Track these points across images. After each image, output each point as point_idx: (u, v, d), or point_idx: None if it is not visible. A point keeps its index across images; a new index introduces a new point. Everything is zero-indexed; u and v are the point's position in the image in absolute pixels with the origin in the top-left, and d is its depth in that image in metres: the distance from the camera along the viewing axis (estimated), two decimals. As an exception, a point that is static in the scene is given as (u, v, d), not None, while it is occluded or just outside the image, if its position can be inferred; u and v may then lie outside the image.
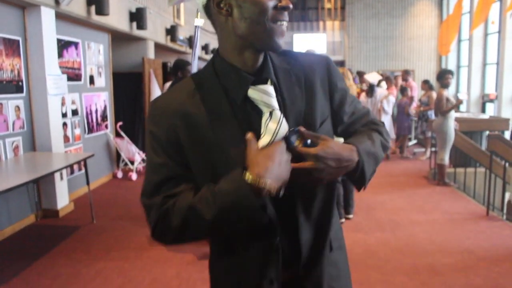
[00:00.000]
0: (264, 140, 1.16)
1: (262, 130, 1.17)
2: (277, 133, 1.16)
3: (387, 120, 8.76)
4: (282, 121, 1.18)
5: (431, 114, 8.56)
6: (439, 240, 4.61)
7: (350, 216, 5.26)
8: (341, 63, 18.06)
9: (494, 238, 4.68)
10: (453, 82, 7.60)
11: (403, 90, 9.48)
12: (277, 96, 1.21)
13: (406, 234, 4.79)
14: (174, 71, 5.22)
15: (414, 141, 10.69)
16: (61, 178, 5.52)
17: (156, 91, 7.68)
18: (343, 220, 5.13)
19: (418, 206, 5.84)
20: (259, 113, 1.20)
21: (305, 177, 1.17)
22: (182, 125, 1.20)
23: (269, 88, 1.20)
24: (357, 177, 1.29)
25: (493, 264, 4.01)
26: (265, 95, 1.19)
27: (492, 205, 5.78)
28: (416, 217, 5.35)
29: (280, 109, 1.20)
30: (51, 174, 4.80)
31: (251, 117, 1.20)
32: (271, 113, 1.18)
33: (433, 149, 7.90)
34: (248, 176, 1.08)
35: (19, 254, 4.26)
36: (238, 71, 1.20)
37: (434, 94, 8.18)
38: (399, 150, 9.63)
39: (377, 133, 1.38)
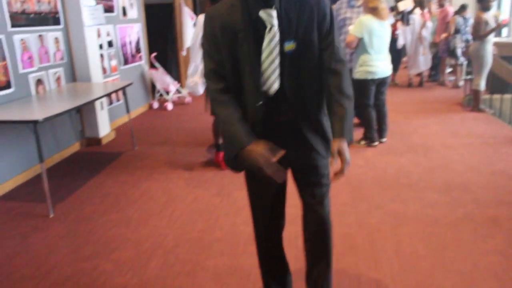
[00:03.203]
0: (264, 44, 1.81)
1: (265, 38, 1.81)
2: (271, 40, 1.80)
3: (425, 47, 8.59)
4: (276, 34, 1.81)
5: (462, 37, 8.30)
6: (472, 161, 4.67)
7: (384, 139, 5.35)
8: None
9: (528, 159, 4.71)
10: (494, 5, 7.28)
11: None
12: (278, 19, 1.80)
13: (439, 156, 4.86)
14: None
15: (449, 69, 10.46)
16: (102, 107, 5.74)
17: (187, 22, 7.68)
18: (376, 143, 5.22)
19: (451, 131, 5.85)
20: (265, 27, 1.81)
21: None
22: (220, 28, 1.83)
23: (273, 12, 1.79)
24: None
25: (525, 182, 4.08)
26: (269, 16, 1.79)
27: (528, 129, 5.73)
28: (449, 141, 5.39)
29: (278, 27, 1.81)
30: (93, 102, 5.01)
31: (260, 30, 1.81)
32: (271, 28, 1.80)
33: (469, 76, 7.75)
34: (243, 153, 1.81)
35: (69, 177, 4.56)
36: None
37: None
38: (432, 76, 9.46)
39: (341, 83, 1.91)
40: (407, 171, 4.43)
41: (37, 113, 3.93)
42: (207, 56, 1.89)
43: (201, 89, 4.46)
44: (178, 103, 8.04)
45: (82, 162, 5.09)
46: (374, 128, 5.22)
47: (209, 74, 1.89)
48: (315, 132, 2.00)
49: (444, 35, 8.90)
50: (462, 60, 8.70)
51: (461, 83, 8.82)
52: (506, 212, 3.54)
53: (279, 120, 1.94)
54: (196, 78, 4.43)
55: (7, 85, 4.34)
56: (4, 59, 4.28)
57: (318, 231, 2.15)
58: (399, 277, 2.72)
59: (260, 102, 1.85)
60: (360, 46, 4.97)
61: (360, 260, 2.84)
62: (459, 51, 8.61)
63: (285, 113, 1.94)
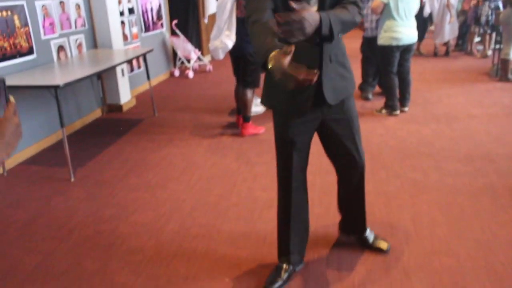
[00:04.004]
0: None
1: None
2: None
3: (453, 15, 8.32)
4: None
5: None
6: (496, 131, 4.56)
7: (406, 108, 5.25)
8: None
9: (555, 130, 4.57)
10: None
11: None
12: None
13: (462, 126, 4.76)
14: None
15: (478, 38, 10.14)
16: (123, 74, 5.76)
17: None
18: (397, 112, 5.13)
19: (476, 101, 5.71)
20: None
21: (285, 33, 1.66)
22: None
23: None
24: (326, 34, 1.77)
25: (551, 153, 3.98)
26: None
27: (557, 99, 5.55)
28: (473, 111, 5.27)
29: None
30: (113, 68, 5.03)
31: None
32: None
33: (497, 46, 7.50)
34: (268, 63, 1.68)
35: (90, 143, 4.63)
36: None
37: None
38: (459, 45, 9.20)
39: (352, 5, 1.91)
40: (428, 141, 4.36)
41: (58, 79, 3.97)
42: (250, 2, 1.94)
43: (221, 54, 4.43)
44: (199, 71, 8.02)
45: (103, 128, 5.16)
46: (396, 96, 5.13)
47: (251, 14, 1.91)
48: (346, 73, 2.16)
49: (473, 2, 8.59)
50: (486, 29, 8.42)
51: (490, 52, 8.55)
52: (528, 182, 3.47)
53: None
54: (217, 42, 4.39)
55: (30, 51, 4.38)
56: (26, 25, 4.32)
57: (360, 178, 2.44)
58: (414, 244, 2.70)
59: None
60: (385, 12, 4.84)
61: (376, 226, 2.83)
62: (483, 19, 8.32)
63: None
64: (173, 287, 2.40)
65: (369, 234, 2.68)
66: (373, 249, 2.65)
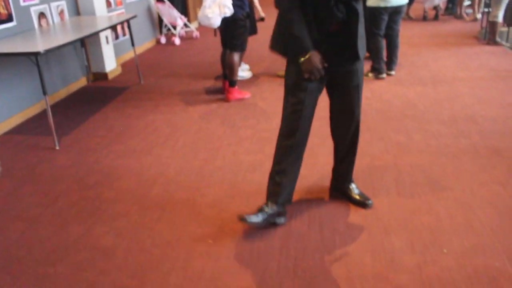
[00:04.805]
0: None
1: None
2: None
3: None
4: None
5: None
6: (481, 94, 4.58)
7: (392, 72, 5.24)
8: None
9: (539, 91, 4.59)
10: None
11: None
12: None
13: (448, 88, 4.77)
14: None
15: (467, 2, 10.05)
16: (107, 41, 5.68)
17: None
18: (384, 75, 5.12)
19: (463, 64, 5.71)
20: None
21: None
22: None
23: None
24: None
25: (534, 114, 4.01)
26: None
27: (543, 61, 5.56)
28: (460, 74, 5.27)
29: None
30: (97, 34, 4.95)
31: None
32: None
33: (486, 9, 7.44)
34: (301, 59, 2.25)
35: (75, 111, 4.59)
36: None
37: None
38: (448, 9, 9.12)
39: None
40: (413, 103, 4.37)
41: (39, 45, 3.90)
42: None
43: (218, 21, 4.35)
44: (186, 38, 7.92)
45: (88, 96, 5.11)
46: (382, 59, 5.11)
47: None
48: (358, 40, 2.32)
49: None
50: None
51: (479, 16, 8.50)
52: (510, 143, 3.50)
53: (332, 30, 2.28)
54: (214, 8, 4.31)
55: (9, 19, 4.28)
56: (4, -10, 4.21)
57: (355, 130, 2.61)
58: (396, 204, 2.74)
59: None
60: (373, -28, 4.78)
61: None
62: None
63: (337, 23, 2.26)
64: (157, 250, 2.43)
65: (354, 187, 2.78)
66: (356, 202, 2.74)
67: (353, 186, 2.81)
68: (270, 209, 2.49)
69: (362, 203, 2.73)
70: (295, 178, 2.56)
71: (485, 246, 2.36)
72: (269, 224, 2.52)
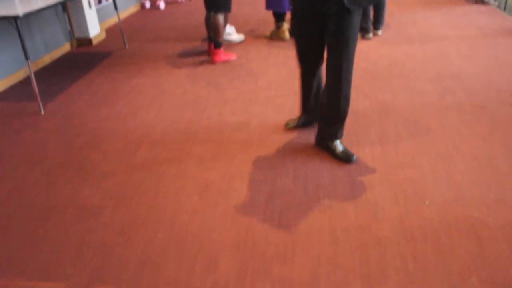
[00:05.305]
0: None
1: None
2: None
3: None
4: None
5: None
6: (468, 52, 4.58)
7: (379, 32, 5.20)
8: None
9: (525, 48, 4.60)
10: None
11: None
12: None
13: (435, 47, 4.76)
14: None
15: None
16: (90, 6, 5.57)
17: None
18: (371, 35, 5.09)
19: (451, 22, 5.68)
20: None
21: None
22: None
23: None
24: None
25: (519, 70, 4.03)
26: None
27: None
28: (447, 32, 5.25)
29: None
30: (79, -1, 4.84)
31: None
32: None
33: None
34: None
35: (60, 77, 4.54)
36: None
37: None
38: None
39: None
40: (400, 62, 4.37)
41: (18, 9, 3.82)
42: None
43: None
44: (171, 2, 7.78)
45: (72, 62, 5.04)
46: (369, 18, 5.06)
47: None
48: None
49: None
50: None
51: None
52: (494, 98, 3.53)
53: None
54: None
55: (-13, -19, 4.18)
56: (-21, -48, 4.09)
57: (335, 78, 2.60)
58: (380, 159, 2.77)
59: None
60: None
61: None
62: None
63: None
64: (143, 208, 2.45)
65: (338, 144, 2.82)
66: (340, 158, 2.77)
67: (337, 142, 2.83)
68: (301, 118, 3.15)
69: (346, 159, 2.76)
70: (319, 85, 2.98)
71: (466, 197, 2.41)
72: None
